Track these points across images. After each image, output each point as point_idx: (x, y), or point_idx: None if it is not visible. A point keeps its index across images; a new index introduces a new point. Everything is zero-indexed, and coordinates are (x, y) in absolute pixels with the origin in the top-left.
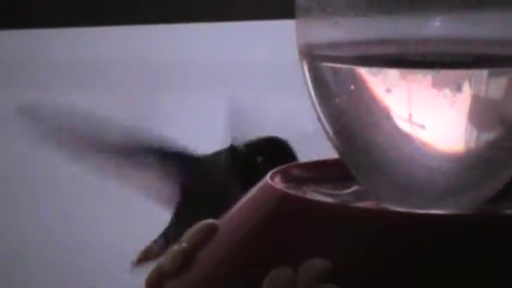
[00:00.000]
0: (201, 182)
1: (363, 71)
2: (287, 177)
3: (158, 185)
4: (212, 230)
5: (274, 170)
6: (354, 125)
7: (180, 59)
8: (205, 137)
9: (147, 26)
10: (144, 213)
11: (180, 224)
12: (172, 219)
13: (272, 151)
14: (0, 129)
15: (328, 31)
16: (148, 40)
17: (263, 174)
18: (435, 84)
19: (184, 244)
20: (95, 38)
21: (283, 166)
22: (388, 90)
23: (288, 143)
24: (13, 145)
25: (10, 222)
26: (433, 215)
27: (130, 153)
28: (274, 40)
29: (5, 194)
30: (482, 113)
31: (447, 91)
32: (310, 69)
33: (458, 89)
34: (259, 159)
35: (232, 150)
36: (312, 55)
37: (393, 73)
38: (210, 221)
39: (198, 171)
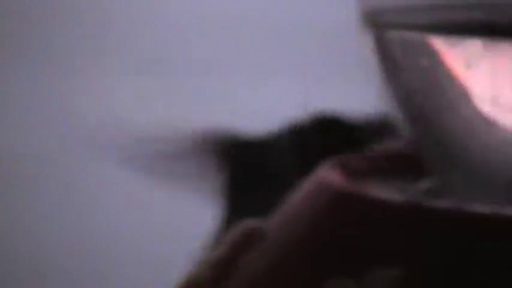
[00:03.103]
0: (253, 169)
1: (440, 41)
2: (346, 170)
3: (204, 175)
4: (256, 234)
5: (330, 160)
6: (428, 107)
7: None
8: (259, 116)
9: None
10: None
11: (228, 223)
12: (219, 219)
13: (336, 132)
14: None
15: None
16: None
17: (324, 160)
18: None
19: (223, 250)
20: None
21: (340, 156)
22: (469, 65)
23: (357, 125)
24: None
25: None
26: None
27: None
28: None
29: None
30: None
31: None
32: (376, 40)
33: None
34: (322, 141)
35: (290, 130)
36: (378, 22)
37: (476, 44)
38: (253, 222)
39: (249, 156)
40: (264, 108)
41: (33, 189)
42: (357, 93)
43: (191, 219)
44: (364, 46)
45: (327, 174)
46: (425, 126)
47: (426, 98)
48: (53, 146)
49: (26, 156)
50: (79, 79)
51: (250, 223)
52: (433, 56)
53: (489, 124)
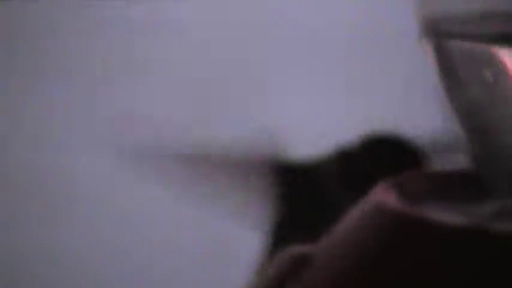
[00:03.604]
0: (303, 194)
1: (504, 52)
2: (403, 191)
3: (251, 200)
4: (304, 260)
5: (386, 181)
6: (491, 121)
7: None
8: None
9: None
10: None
11: (275, 248)
12: (266, 244)
13: (391, 154)
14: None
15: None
16: None
17: (376, 183)
18: None
19: (268, 279)
20: None
21: (397, 176)
22: None
23: (413, 143)
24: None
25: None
26: None
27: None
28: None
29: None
30: None
31: None
32: (435, 50)
33: None
34: (374, 163)
35: (342, 152)
36: (438, 31)
37: None
38: (301, 248)
39: (298, 179)
40: (322, 125)
41: (76, 209)
42: (418, 107)
43: (238, 242)
44: (423, 57)
45: (383, 196)
46: (487, 142)
47: (489, 111)
48: (99, 166)
49: (63, 172)
50: (115, 93)
51: (297, 249)
52: (498, 67)
53: None
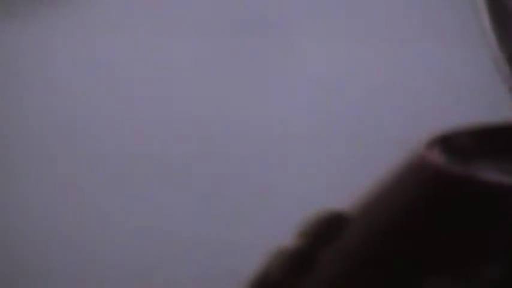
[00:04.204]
0: None
1: None
2: (449, 148)
3: None
4: (339, 222)
5: (431, 138)
6: None
7: None
8: None
9: None
10: None
11: None
12: None
13: None
14: None
15: None
16: None
17: None
18: None
19: (300, 242)
20: None
21: (443, 132)
22: None
23: None
24: None
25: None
26: None
27: None
28: None
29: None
30: None
31: None
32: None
33: None
34: None
35: None
36: None
37: None
38: (335, 209)
39: None
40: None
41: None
42: None
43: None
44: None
45: (426, 152)
46: None
47: None
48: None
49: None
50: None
51: (332, 211)
52: None
53: None
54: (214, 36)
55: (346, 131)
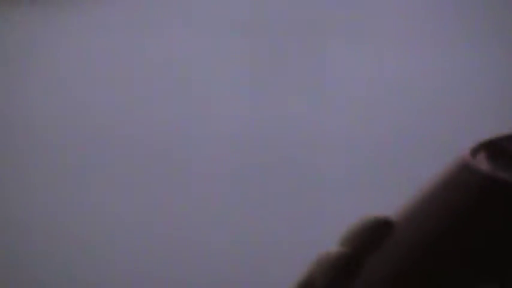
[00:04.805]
0: None
1: None
2: (496, 154)
3: None
4: (385, 228)
5: (477, 143)
6: None
7: None
8: None
9: None
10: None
11: None
12: None
13: None
14: None
15: None
16: None
17: None
18: None
19: (346, 248)
20: None
21: (489, 138)
22: None
23: None
24: None
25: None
26: None
27: None
28: None
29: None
30: None
31: None
32: None
33: None
34: None
35: None
36: None
37: None
38: (381, 215)
39: None
40: None
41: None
42: None
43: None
44: None
45: (473, 155)
46: None
47: None
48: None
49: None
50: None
51: (376, 217)
52: None
53: None
54: (254, 37)
55: (390, 136)
